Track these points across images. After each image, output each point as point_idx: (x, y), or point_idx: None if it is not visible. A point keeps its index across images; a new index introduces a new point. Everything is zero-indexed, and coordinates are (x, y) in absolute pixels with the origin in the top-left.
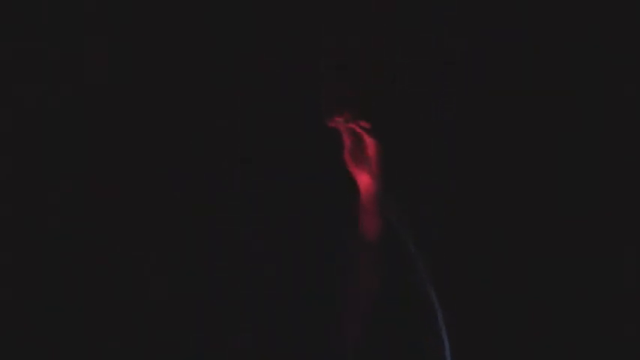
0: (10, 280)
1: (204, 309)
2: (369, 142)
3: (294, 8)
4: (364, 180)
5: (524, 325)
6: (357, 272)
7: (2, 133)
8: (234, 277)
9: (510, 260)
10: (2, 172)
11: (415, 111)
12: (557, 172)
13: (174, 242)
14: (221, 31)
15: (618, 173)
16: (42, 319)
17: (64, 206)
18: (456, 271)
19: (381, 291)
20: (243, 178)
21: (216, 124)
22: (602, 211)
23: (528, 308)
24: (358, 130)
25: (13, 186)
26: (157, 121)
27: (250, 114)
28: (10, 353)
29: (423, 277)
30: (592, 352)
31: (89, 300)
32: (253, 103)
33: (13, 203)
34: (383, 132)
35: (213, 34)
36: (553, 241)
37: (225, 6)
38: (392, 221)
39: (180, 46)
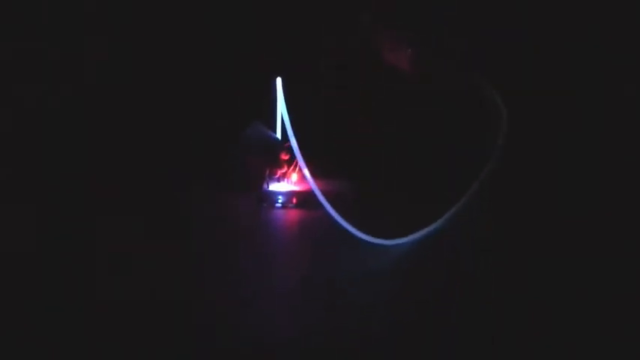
0: (10, 280)
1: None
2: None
3: (294, 8)
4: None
5: (524, 324)
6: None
7: (2, 133)
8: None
9: (510, 260)
10: (2, 172)
11: (415, 111)
12: (557, 171)
13: (174, 242)
14: (221, 31)
15: (618, 173)
16: (42, 319)
17: (64, 206)
18: (454, 270)
19: None
20: (243, 177)
21: (216, 124)
22: (602, 211)
23: (528, 308)
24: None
25: (13, 186)
26: (156, 121)
27: (249, 114)
28: (10, 353)
29: None
30: (592, 352)
31: (89, 300)
32: (253, 103)
33: (14, 203)
34: (382, 131)
35: (213, 34)
36: (553, 241)
37: (225, 6)
38: None
39: (180, 47)
